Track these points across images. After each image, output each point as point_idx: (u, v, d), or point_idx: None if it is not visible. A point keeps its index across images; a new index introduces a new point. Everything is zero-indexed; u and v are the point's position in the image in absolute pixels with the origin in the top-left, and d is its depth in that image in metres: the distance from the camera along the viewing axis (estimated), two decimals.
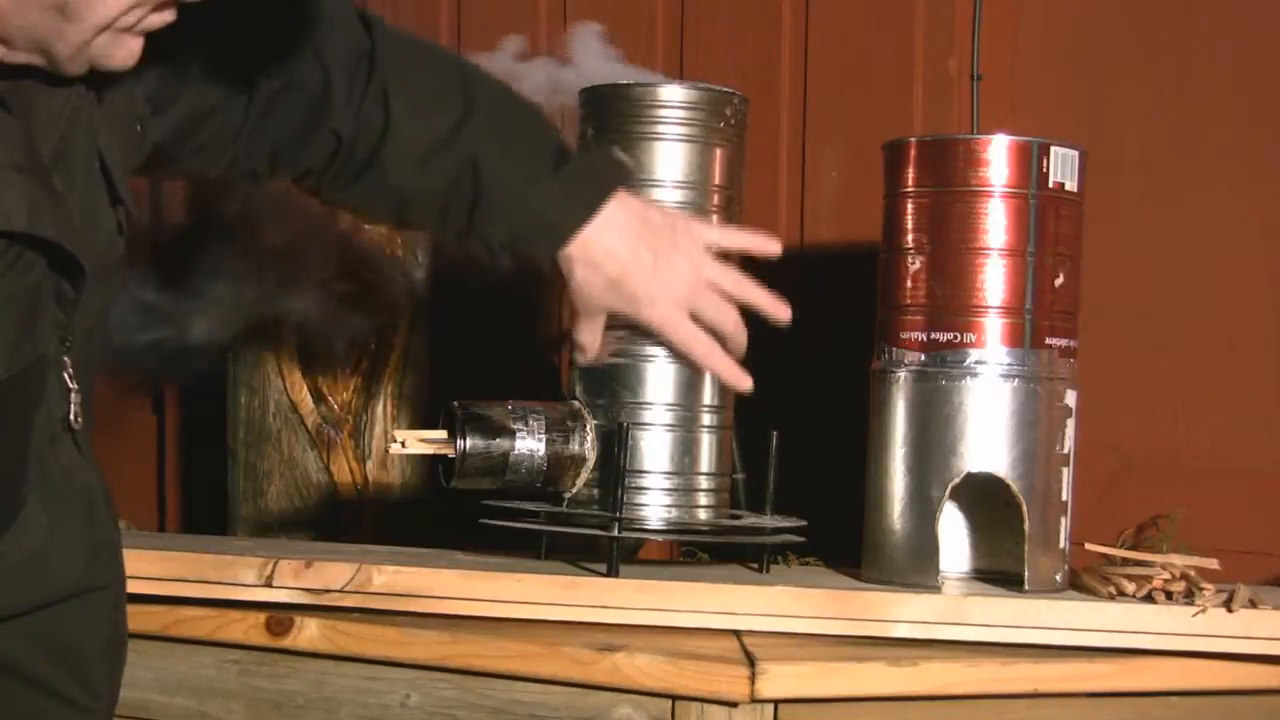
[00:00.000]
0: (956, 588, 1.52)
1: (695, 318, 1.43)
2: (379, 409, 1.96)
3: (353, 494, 1.96)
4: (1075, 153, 1.52)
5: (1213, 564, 1.48)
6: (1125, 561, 1.51)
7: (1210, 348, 1.90)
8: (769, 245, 1.50)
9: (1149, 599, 1.44)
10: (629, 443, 1.50)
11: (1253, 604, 1.43)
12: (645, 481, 1.55)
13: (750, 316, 1.53)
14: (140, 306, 1.84)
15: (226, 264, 1.90)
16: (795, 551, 1.64)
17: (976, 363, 1.49)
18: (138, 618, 1.28)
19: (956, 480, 1.49)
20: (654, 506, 1.55)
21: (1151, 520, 1.78)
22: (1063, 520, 1.51)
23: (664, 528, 1.56)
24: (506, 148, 1.39)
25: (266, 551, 1.52)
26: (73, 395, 1.10)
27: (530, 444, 1.51)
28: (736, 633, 1.45)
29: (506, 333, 2.13)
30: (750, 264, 1.63)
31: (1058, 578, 1.51)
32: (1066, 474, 1.52)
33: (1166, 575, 1.45)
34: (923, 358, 1.51)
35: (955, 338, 1.49)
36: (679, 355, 1.48)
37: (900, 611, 1.44)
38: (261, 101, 1.33)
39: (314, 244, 1.94)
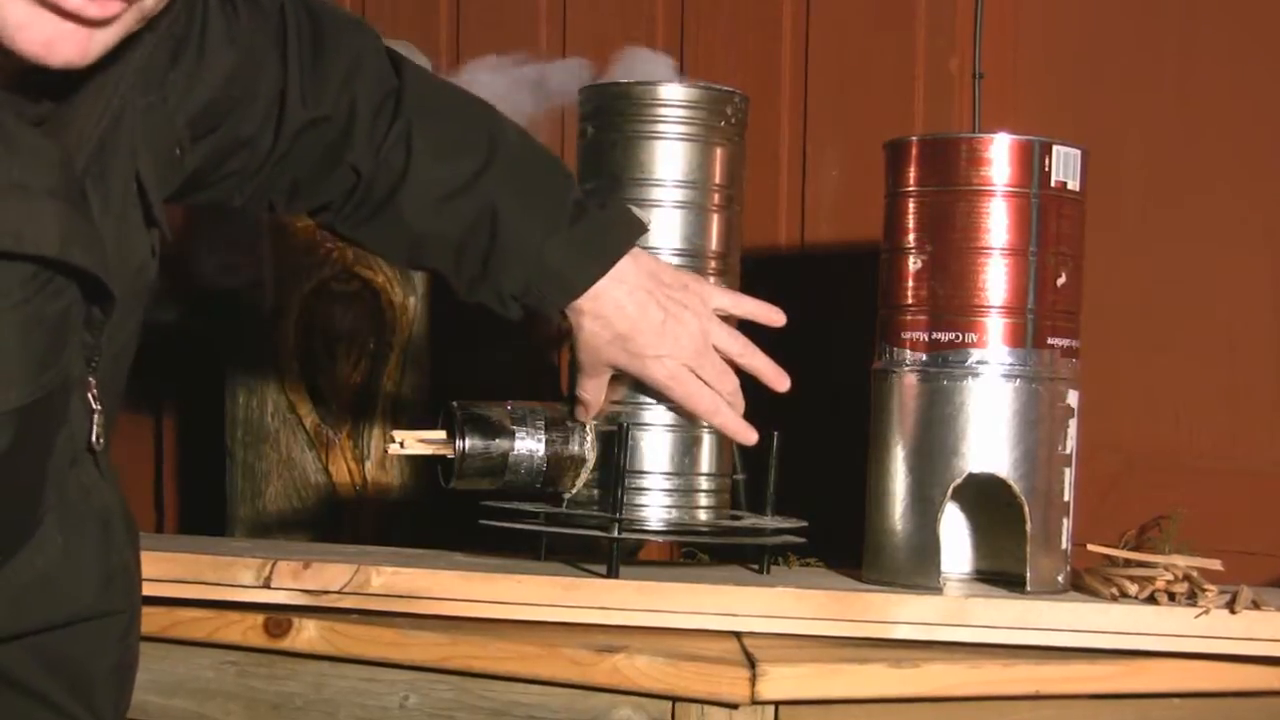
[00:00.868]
0: (958, 589, 1.51)
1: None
2: (378, 409, 1.96)
3: (351, 495, 1.96)
4: (1077, 152, 1.51)
5: (1215, 565, 1.47)
6: (1127, 562, 1.50)
7: (1211, 348, 1.90)
8: (774, 315, 1.53)
9: (1151, 600, 1.44)
10: (629, 443, 1.50)
11: (1256, 605, 1.42)
12: (645, 482, 1.54)
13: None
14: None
15: (225, 260, 1.90)
16: (796, 552, 1.64)
17: (978, 363, 1.48)
18: None
19: (958, 481, 1.48)
20: (654, 507, 1.55)
21: (1153, 521, 1.77)
22: (1064, 521, 1.51)
23: (664, 529, 1.56)
24: (526, 198, 1.41)
25: (265, 552, 1.51)
26: (96, 416, 1.07)
27: (530, 444, 1.51)
28: (737, 634, 1.44)
29: (506, 333, 2.12)
30: (751, 264, 1.63)
31: (1060, 579, 1.50)
32: (1068, 474, 1.51)
33: (1169, 576, 1.45)
34: (924, 358, 1.50)
35: (957, 338, 1.49)
36: (681, 412, 1.51)
37: (901, 613, 1.43)
38: (290, 134, 1.34)
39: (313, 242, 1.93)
